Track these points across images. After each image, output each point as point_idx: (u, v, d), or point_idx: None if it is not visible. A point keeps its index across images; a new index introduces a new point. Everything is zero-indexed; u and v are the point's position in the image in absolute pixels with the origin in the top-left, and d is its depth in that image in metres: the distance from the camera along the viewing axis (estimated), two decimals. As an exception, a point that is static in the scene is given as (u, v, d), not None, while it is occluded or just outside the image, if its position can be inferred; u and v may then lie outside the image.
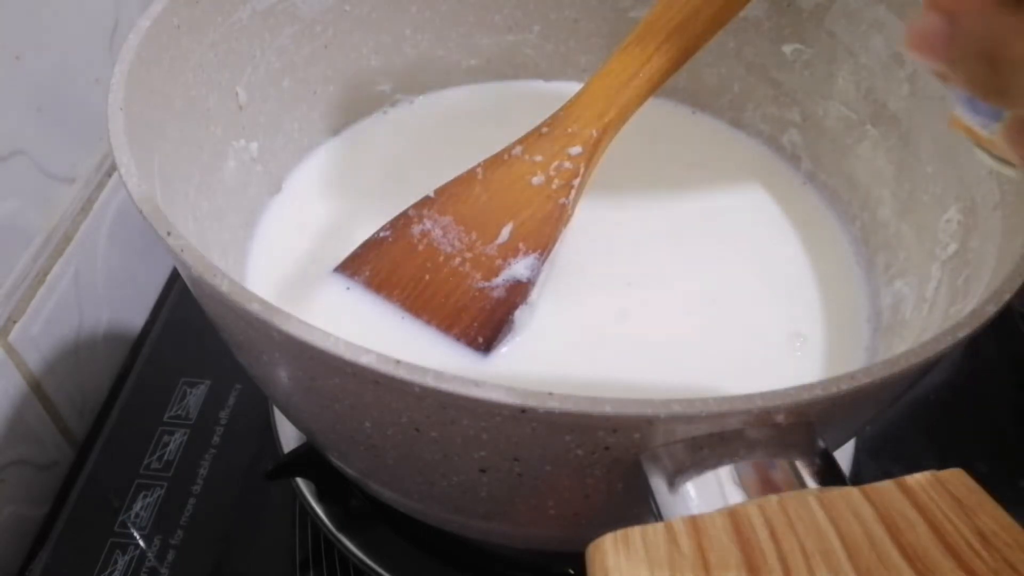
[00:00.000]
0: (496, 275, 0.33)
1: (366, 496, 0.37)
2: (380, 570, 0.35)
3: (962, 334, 0.22)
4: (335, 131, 0.42)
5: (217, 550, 0.38)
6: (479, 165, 0.36)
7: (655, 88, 0.36)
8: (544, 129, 0.36)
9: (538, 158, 0.35)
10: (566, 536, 0.27)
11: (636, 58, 0.36)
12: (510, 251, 0.34)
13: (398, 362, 0.19)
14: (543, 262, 0.34)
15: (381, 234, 0.35)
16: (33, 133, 0.40)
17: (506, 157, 0.36)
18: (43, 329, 0.42)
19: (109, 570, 0.37)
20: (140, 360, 0.47)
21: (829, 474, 0.20)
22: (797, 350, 0.34)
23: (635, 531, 0.18)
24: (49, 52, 0.40)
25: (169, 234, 0.23)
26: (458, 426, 0.21)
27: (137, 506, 0.40)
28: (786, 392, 0.20)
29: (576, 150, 0.35)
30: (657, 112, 0.43)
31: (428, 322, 0.33)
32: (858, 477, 0.39)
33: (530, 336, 0.33)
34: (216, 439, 0.42)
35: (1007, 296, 0.23)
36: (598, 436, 0.20)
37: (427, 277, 0.34)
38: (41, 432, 0.42)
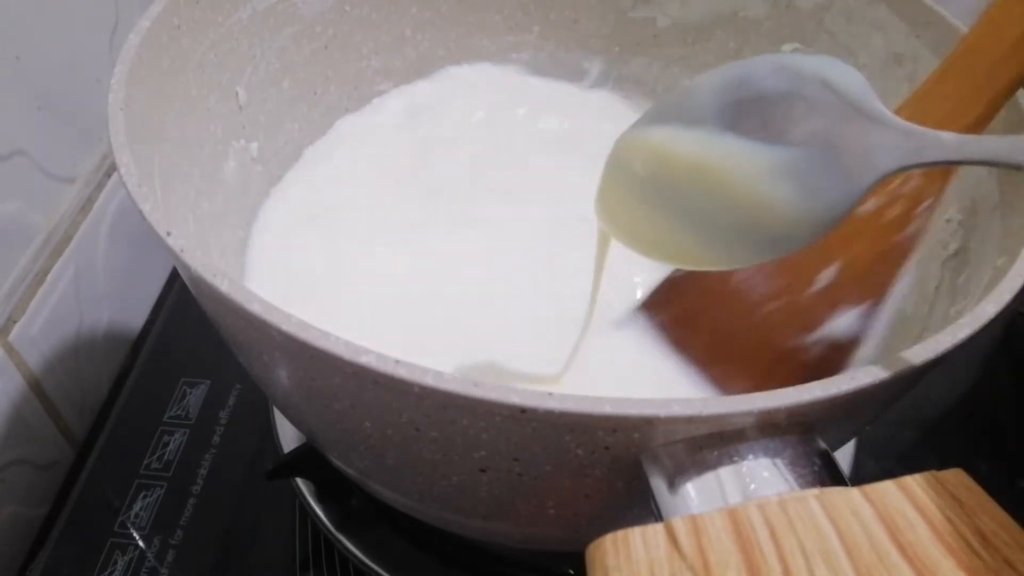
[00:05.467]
0: (811, 331, 0.28)
1: (366, 496, 0.37)
2: (380, 570, 0.35)
3: (962, 334, 0.22)
4: (335, 131, 0.42)
5: (217, 550, 0.38)
6: None
7: None
8: None
9: None
10: (566, 536, 0.27)
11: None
12: (830, 300, 0.28)
13: (398, 362, 0.19)
14: (873, 315, 0.28)
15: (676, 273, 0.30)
16: (33, 133, 0.40)
17: None
18: (43, 329, 0.42)
19: (109, 570, 0.37)
20: (140, 360, 0.47)
21: (829, 474, 0.20)
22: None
23: (635, 531, 0.18)
24: (49, 52, 0.40)
25: (169, 234, 0.23)
26: (458, 426, 0.21)
27: (137, 506, 0.40)
28: (786, 392, 0.20)
29: None
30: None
31: (728, 384, 0.28)
32: (858, 477, 0.39)
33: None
34: (216, 439, 0.42)
35: (1007, 296, 0.23)
36: (598, 436, 0.20)
37: (730, 328, 0.28)
38: (41, 432, 0.42)
